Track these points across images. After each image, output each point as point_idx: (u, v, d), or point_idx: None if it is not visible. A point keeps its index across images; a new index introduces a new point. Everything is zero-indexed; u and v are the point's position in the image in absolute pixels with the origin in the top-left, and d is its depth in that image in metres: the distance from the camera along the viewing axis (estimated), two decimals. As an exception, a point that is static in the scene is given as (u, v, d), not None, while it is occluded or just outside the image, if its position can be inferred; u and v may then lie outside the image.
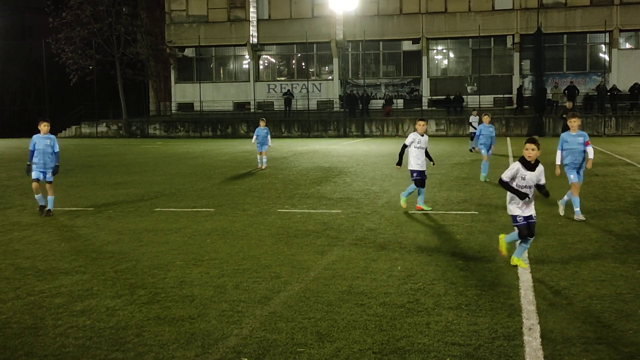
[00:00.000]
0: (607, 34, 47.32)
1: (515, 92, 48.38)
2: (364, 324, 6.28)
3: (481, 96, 47.80)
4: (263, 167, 22.67)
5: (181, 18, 54.75)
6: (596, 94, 46.45)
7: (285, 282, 7.83)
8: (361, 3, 49.98)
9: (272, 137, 24.44)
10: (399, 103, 51.22)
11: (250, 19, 52.60)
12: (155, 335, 6.08)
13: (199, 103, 53.09)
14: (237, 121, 51.56)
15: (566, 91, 45.10)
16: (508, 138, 33.18)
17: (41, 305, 7.06)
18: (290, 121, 50.33)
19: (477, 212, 12.71)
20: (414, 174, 12.79)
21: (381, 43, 51.93)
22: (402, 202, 13.03)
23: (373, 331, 6.09)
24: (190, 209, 13.72)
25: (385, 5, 51.14)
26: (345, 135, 48.52)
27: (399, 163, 13.20)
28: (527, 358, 5.43)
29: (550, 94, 47.29)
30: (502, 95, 49.30)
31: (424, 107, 49.77)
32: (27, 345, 5.85)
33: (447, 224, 11.59)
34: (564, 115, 27.62)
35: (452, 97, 48.71)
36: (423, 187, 12.98)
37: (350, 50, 52.69)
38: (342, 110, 50.20)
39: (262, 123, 23.60)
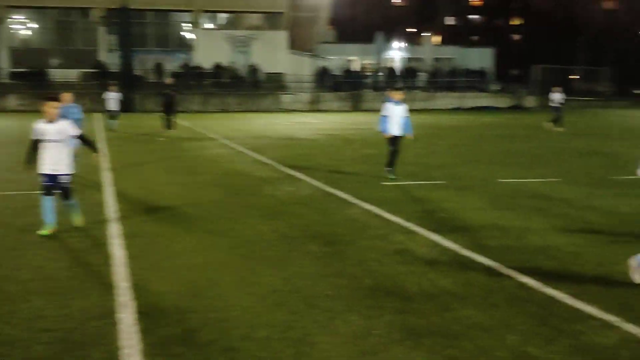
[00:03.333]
0: (191, 14, 49.24)
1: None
2: None
3: (68, 70, 45.97)
4: None
5: None
6: (183, 71, 48.15)
7: None
8: None
9: None
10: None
11: None
12: None
13: None
14: None
15: (156, 68, 45.89)
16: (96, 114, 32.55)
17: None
18: None
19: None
20: None
21: None
22: None
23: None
24: None
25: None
26: None
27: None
28: (120, 334, 5.36)
29: (139, 71, 47.59)
30: (88, 70, 48.09)
31: (3, 81, 46.04)
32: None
33: None
34: (165, 92, 27.27)
35: (36, 70, 45.89)
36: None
37: None
38: None
39: None
